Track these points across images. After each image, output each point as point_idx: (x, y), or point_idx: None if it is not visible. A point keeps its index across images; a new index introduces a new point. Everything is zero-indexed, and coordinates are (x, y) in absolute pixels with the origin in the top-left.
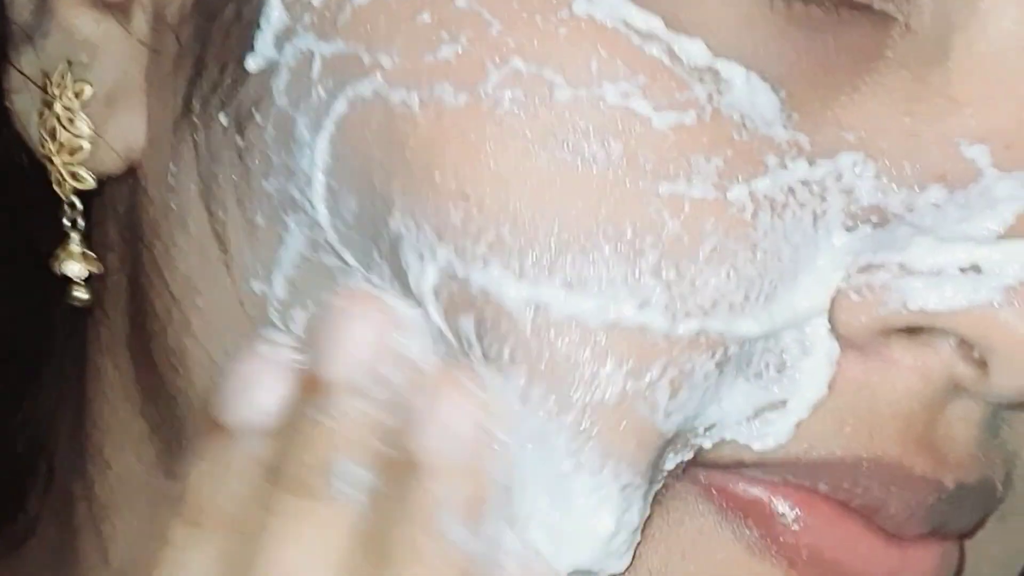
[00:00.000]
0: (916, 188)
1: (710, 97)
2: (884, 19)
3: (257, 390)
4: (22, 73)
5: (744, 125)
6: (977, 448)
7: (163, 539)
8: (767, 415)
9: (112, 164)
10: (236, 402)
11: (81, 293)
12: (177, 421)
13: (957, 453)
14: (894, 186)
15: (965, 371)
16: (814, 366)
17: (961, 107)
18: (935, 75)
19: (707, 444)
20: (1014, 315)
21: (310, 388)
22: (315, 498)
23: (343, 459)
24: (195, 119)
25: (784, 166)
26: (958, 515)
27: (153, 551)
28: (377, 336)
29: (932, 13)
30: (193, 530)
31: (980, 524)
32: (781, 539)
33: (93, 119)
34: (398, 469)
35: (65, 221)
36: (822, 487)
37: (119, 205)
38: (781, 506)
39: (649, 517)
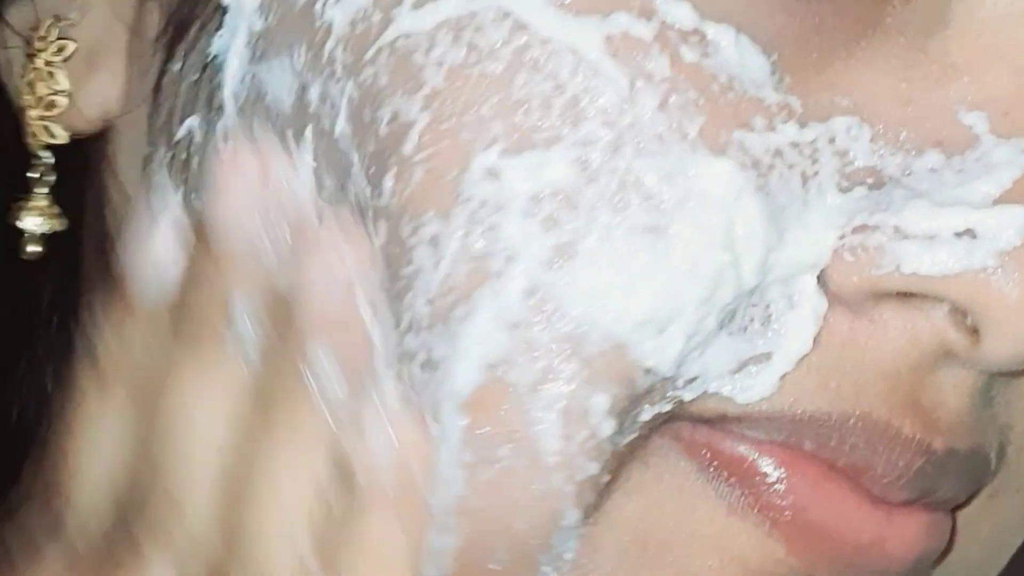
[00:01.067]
0: (913, 153)
1: (697, 59)
2: None
3: (152, 246)
4: (8, 24)
5: (731, 87)
6: (968, 416)
7: (75, 400)
8: (751, 368)
9: (87, 123)
10: (135, 261)
11: (34, 247)
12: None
13: (947, 418)
14: (890, 150)
15: (956, 338)
16: (800, 320)
17: (959, 74)
18: (933, 43)
19: (688, 396)
20: (1007, 281)
21: (201, 237)
22: (211, 342)
23: (234, 299)
24: (168, 83)
25: (772, 128)
26: (947, 482)
27: (67, 411)
28: (259, 183)
29: None
30: (102, 389)
31: (972, 495)
32: (764, 499)
33: (73, 76)
34: (282, 319)
35: (33, 174)
36: (807, 445)
37: (92, 165)
38: (766, 465)
39: (628, 471)
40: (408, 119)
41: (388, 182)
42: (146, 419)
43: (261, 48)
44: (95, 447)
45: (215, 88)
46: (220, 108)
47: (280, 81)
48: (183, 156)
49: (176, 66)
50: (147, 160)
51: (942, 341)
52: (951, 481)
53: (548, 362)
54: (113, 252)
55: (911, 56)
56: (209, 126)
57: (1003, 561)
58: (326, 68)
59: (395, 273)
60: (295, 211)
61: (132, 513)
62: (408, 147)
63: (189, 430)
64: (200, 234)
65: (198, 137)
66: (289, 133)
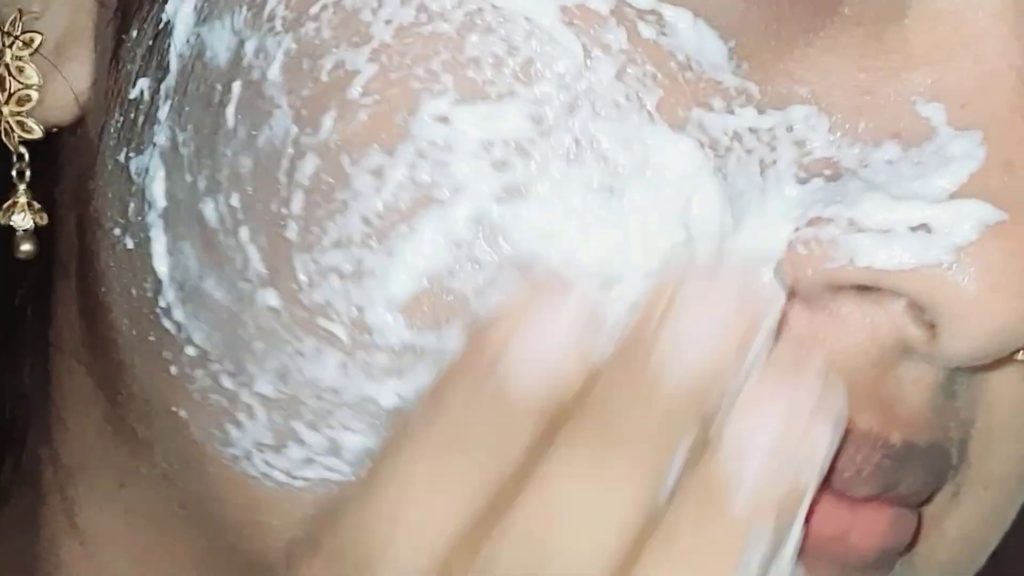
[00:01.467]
0: (870, 144)
1: (654, 36)
2: None
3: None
4: None
5: (689, 66)
6: (929, 411)
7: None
8: None
9: (60, 115)
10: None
11: (27, 245)
12: (115, 369)
13: (906, 413)
14: (848, 141)
15: (915, 333)
16: None
17: (917, 64)
18: (891, 32)
19: None
20: (963, 276)
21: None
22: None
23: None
24: (124, 52)
25: (731, 111)
26: (907, 476)
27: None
28: None
29: None
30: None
31: (934, 491)
32: None
33: (42, 69)
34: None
35: (13, 172)
36: None
37: (68, 157)
38: None
39: None
40: (353, 68)
41: (327, 121)
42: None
43: (206, 10)
44: None
45: (165, 50)
46: (166, 68)
47: (220, 40)
48: (131, 115)
49: (132, 34)
50: (103, 128)
51: (901, 336)
52: (912, 475)
53: (492, 275)
54: (95, 240)
55: (869, 45)
56: (157, 85)
57: (979, 561)
58: (265, 25)
59: (327, 197)
60: None
61: None
62: (353, 92)
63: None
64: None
65: (146, 96)
66: (218, 88)
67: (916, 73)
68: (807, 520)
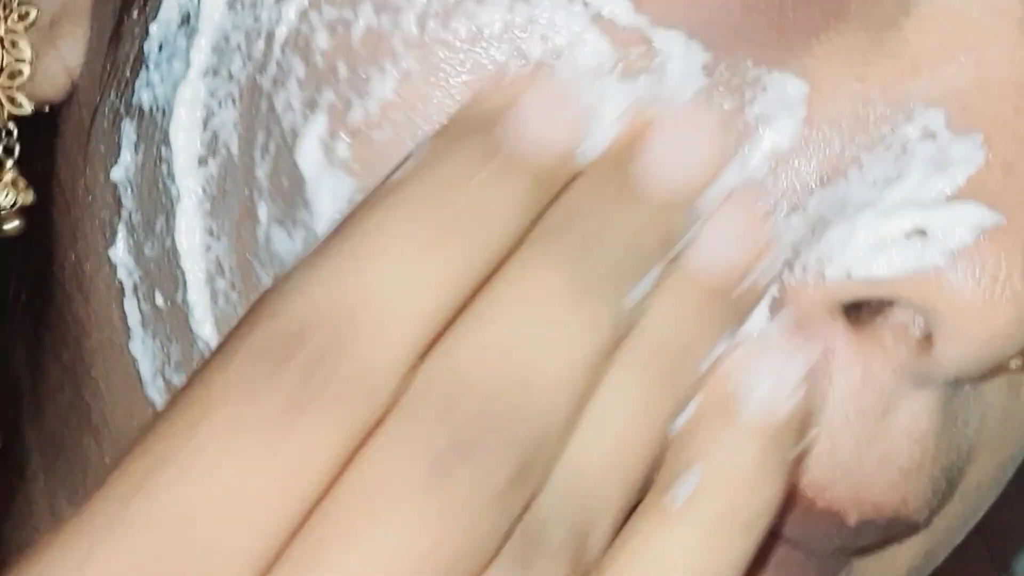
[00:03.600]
0: (867, 154)
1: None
2: None
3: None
4: None
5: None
6: (931, 441)
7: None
8: None
9: (51, 91)
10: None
11: (12, 223)
12: (90, 356)
13: (888, 486)
14: (844, 152)
15: (909, 356)
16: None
17: (918, 69)
18: (892, 36)
19: None
20: (960, 279)
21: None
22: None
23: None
24: (127, 32)
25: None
26: (866, 541)
27: None
28: None
29: None
30: (443, 247)
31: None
32: None
33: (35, 44)
34: None
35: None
36: None
37: (60, 133)
38: None
39: None
40: None
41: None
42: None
43: None
44: None
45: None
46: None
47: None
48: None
49: (134, 14)
50: (96, 109)
51: (896, 364)
52: (872, 540)
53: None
54: (86, 220)
55: (869, 51)
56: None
57: (940, 559)
58: None
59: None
60: None
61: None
62: None
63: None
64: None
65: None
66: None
67: (915, 79)
68: None
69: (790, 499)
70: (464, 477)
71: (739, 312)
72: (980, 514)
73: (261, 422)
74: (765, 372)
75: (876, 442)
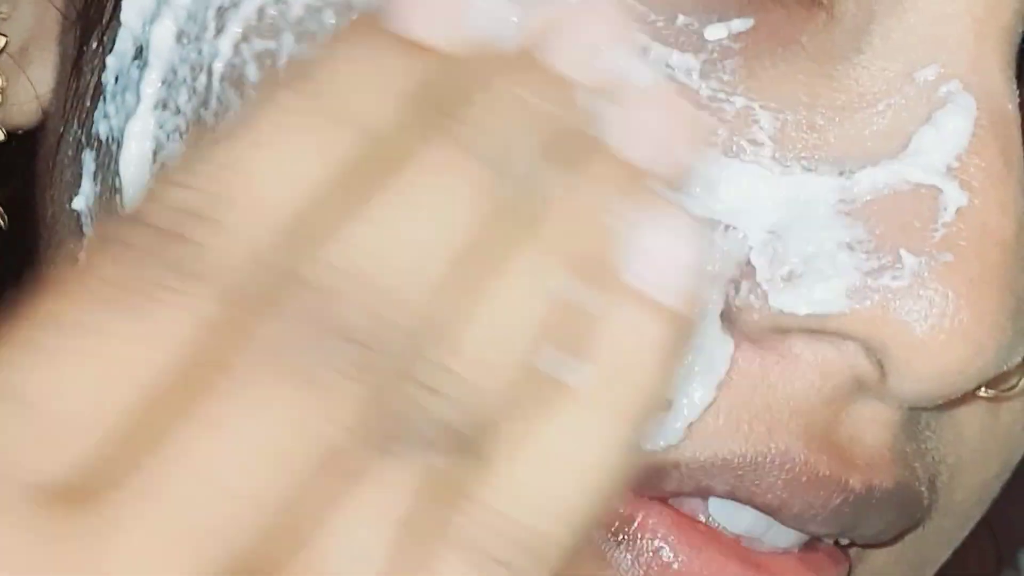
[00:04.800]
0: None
1: None
2: (810, 5)
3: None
4: None
5: None
6: (889, 451)
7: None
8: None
9: (23, 117)
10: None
11: None
12: None
13: (865, 454)
14: None
15: (868, 370)
16: (703, 365)
17: (865, 104)
18: (842, 70)
19: None
20: (905, 315)
21: None
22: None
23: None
24: (86, 72)
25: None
26: (868, 519)
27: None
28: None
29: (857, 2)
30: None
31: (902, 532)
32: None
33: (5, 71)
34: None
35: None
36: (721, 487)
37: (29, 159)
38: (652, 538)
39: None
40: None
41: None
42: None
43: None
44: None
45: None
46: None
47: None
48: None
49: (92, 45)
50: (61, 134)
51: (854, 374)
52: (873, 518)
53: None
54: (52, 248)
55: (820, 84)
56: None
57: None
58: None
59: None
60: None
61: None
62: None
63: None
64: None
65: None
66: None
67: (862, 113)
68: None
69: (795, 468)
70: (317, 358)
71: (655, 197)
72: (964, 533)
73: (116, 312)
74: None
75: (844, 426)
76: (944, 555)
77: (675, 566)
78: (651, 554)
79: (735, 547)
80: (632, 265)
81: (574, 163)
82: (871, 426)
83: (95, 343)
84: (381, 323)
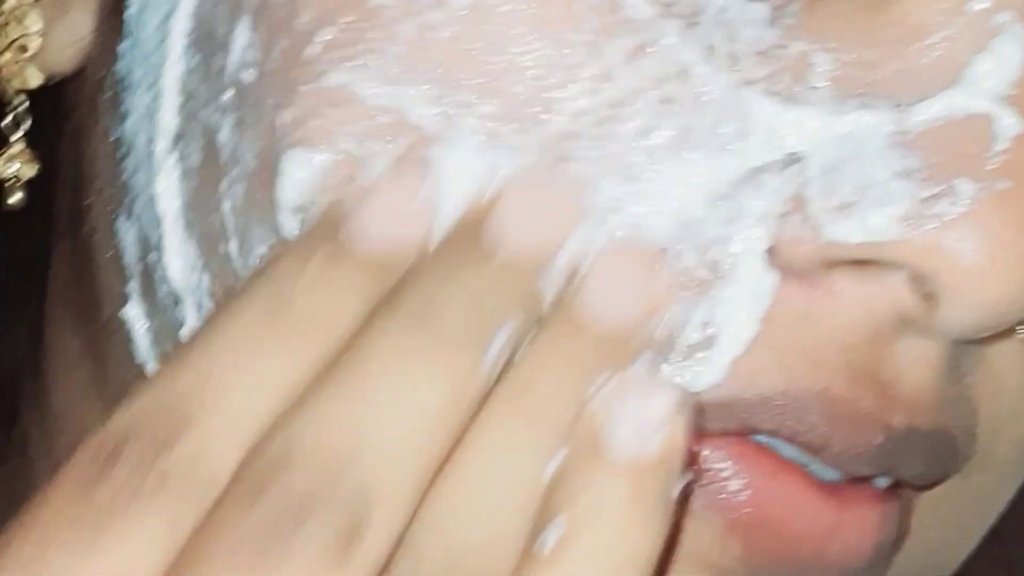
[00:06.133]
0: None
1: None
2: None
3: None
4: None
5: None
6: (932, 392)
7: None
8: (698, 354)
9: (62, 63)
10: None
11: (17, 195)
12: (102, 331)
13: (908, 393)
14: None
15: (913, 304)
16: (747, 299)
17: (920, 36)
18: (895, 3)
19: None
20: (959, 241)
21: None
22: (455, 347)
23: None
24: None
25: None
26: (908, 460)
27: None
28: None
29: None
30: (281, 340)
31: (939, 479)
32: (721, 497)
33: (45, 16)
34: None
35: (7, 121)
36: (764, 425)
37: (73, 107)
38: (720, 462)
39: None
40: None
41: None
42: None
43: None
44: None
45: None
46: None
47: None
48: None
49: None
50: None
51: (899, 309)
52: (912, 459)
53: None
54: (93, 196)
55: (872, 19)
56: None
57: (968, 546)
58: None
59: None
60: None
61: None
62: None
63: (400, 401)
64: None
65: None
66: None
67: (919, 44)
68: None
69: (836, 406)
70: (291, 548)
71: (621, 357)
72: (1009, 491)
73: (85, 520)
74: (629, 411)
75: (888, 365)
76: (990, 513)
77: (746, 495)
78: (721, 483)
79: (803, 473)
80: (615, 434)
81: (544, 337)
82: (914, 366)
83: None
84: (365, 513)
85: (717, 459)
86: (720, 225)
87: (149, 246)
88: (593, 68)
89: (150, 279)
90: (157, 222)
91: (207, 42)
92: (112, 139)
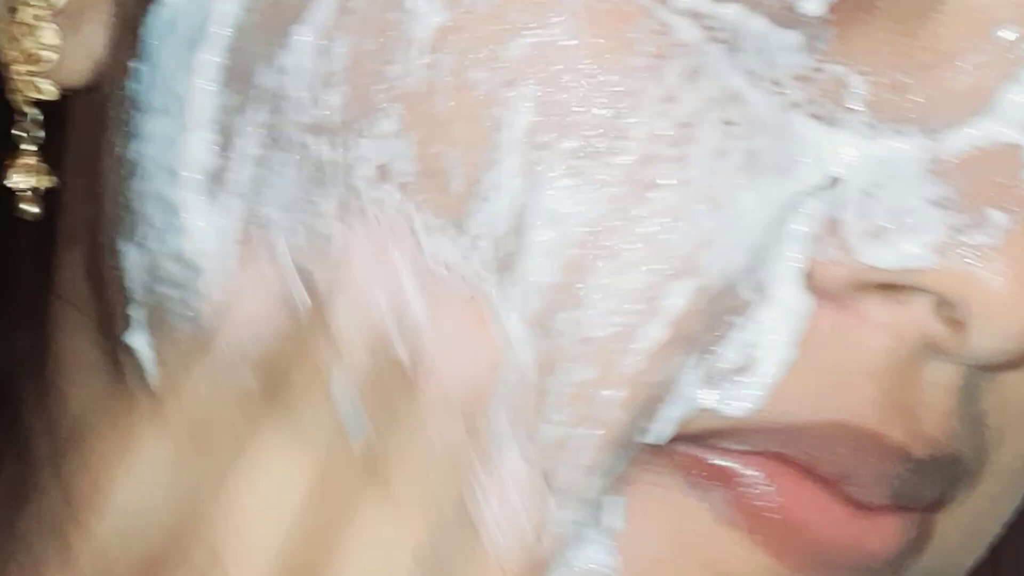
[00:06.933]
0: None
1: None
2: None
3: (253, 303)
4: None
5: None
6: (951, 418)
7: (118, 422)
8: (736, 378)
9: (76, 77)
10: (225, 308)
11: (29, 207)
12: (119, 345)
13: (932, 421)
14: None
15: (940, 330)
16: (785, 322)
17: (950, 61)
18: (925, 29)
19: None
20: (992, 272)
21: (317, 309)
22: (311, 413)
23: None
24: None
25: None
26: (925, 487)
27: (102, 428)
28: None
29: None
30: (157, 421)
31: (951, 501)
32: (749, 502)
33: (61, 30)
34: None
35: (18, 132)
36: (796, 455)
37: (83, 121)
38: (749, 471)
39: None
40: None
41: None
42: (203, 466)
43: None
44: (135, 479)
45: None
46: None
47: None
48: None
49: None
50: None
51: (925, 334)
52: (929, 485)
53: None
54: (103, 213)
55: (903, 43)
56: None
57: (971, 556)
58: None
59: None
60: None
61: (163, 563)
62: None
63: (262, 494)
64: (316, 306)
65: None
66: None
67: (950, 70)
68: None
69: (865, 438)
70: None
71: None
72: (1013, 502)
73: None
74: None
75: (913, 391)
76: (995, 525)
77: (774, 500)
78: (745, 489)
79: (832, 484)
80: (481, 504)
81: (400, 408)
82: (936, 391)
83: None
84: None
85: (748, 471)
86: (769, 247)
87: (162, 281)
88: (657, 90)
89: (160, 313)
90: (182, 259)
91: (249, 87)
92: (117, 156)
